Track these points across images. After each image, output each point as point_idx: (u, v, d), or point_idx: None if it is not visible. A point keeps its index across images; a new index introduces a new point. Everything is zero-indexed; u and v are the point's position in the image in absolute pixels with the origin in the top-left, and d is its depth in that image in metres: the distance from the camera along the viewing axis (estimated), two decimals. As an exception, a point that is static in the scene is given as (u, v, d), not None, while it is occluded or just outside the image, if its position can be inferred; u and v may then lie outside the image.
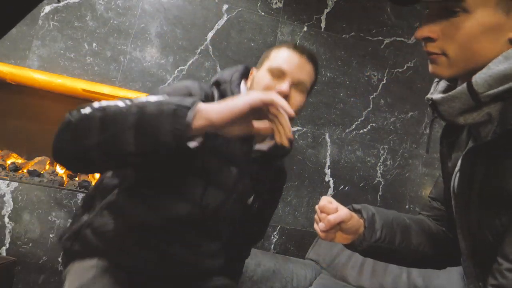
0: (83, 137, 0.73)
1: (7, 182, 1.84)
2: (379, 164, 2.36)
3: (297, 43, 2.31)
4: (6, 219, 1.82)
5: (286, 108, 0.74)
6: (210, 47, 2.16)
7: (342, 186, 2.32)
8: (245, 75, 1.08)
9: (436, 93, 0.74)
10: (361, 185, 2.34)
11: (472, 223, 0.70)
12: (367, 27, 2.42)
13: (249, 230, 1.23)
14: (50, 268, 1.84)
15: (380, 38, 2.43)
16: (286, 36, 2.29)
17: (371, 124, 2.37)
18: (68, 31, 2.01)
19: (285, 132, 0.74)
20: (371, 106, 2.38)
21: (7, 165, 2.07)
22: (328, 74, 2.33)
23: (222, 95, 1.00)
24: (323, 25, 2.35)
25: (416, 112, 2.45)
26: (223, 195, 1.00)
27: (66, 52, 1.99)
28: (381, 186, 2.36)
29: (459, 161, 0.73)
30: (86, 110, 0.74)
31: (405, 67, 2.45)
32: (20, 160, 2.21)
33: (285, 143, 0.74)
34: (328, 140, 2.30)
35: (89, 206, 1.02)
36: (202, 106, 0.73)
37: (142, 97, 0.77)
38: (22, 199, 1.85)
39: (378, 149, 2.37)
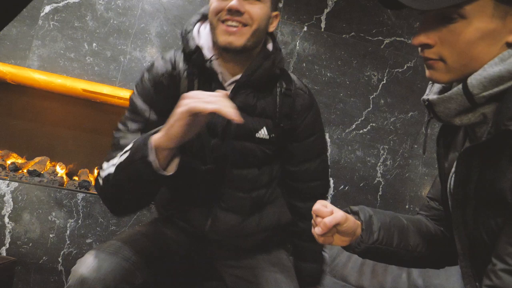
0: (110, 195, 0.93)
1: (7, 182, 1.85)
2: (379, 164, 2.36)
3: (297, 43, 2.31)
4: (6, 219, 1.82)
5: (201, 104, 0.76)
6: (210, 47, 2.16)
7: (342, 186, 2.32)
8: (204, 18, 1.06)
9: (431, 94, 0.75)
10: (361, 185, 2.34)
11: (468, 223, 0.70)
12: (367, 27, 2.42)
13: (295, 175, 1.14)
14: (50, 268, 1.84)
15: (380, 38, 2.43)
16: (286, 36, 2.29)
17: (371, 124, 2.37)
18: (68, 31, 2.01)
19: (226, 112, 0.75)
20: (371, 106, 2.38)
21: (7, 165, 2.07)
22: (328, 74, 2.33)
23: (185, 47, 1.02)
24: (323, 25, 2.35)
25: (416, 112, 2.44)
26: (214, 139, 1.01)
27: (66, 52, 2.00)
28: (381, 186, 2.36)
29: (455, 161, 0.74)
30: (103, 174, 0.91)
31: (405, 67, 2.45)
32: (20, 160, 2.22)
33: (234, 118, 0.75)
34: (328, 140, 2.30)
35: None
36: (157, 141, 0.81)
37: (123, 154, 0.88)
38: (22, 199, 1.85)
39: (378, 149, 2.37)
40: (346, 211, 0.87)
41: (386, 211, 0.91)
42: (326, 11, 2.36)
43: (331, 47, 2.35)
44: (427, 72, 0.70)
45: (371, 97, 2.39)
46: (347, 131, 2.33)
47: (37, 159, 2.22)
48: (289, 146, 1.12)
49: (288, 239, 1.20)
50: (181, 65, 1.02)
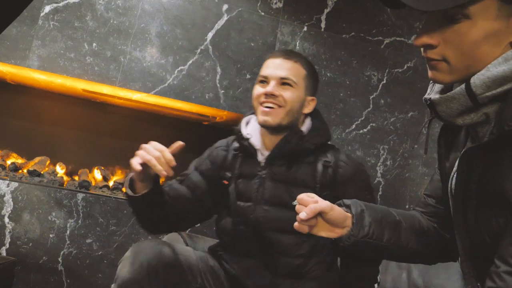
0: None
1: (7, 182, 1.85)
2: (379, 164, 2.36)
3: (297, 43, 2.31)
4: (6, 219, 1.82)
5: (142, 157, 1.02)
6: (210, 47, 2.16)
7: (342, 186, 2.32)
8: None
9: (433, 93, 0.74)
10: (361, 185, 2.34)
11: (470, 224, 0.70)
12: (367, 27, 2.42)
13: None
14: (50, 268, 1.84)
15: (380, 38, 2.43)
16: (286, 36, 2.29)
17: (371, 124, 2.37)
18: (68, 31, 2.01)
19: (158, 171, 0.98)
20: (371, 106, 2.38)
21: (7, 165, 2.07)
22: (328, 74, 2.33)
23: (238, 141, 1.26)
24: (323, 25, 2.35)
25: (416, 112, 2.44)
26: (250, 204, 1.17)
27: (66, 52, 1.99)
28: (381, 186, 2.36)
29: (457, 162, 0.73)
30: None
31: (405, 67, 2.45)
32: (20, 160, 2.22)
33: (164, 173, 0.98)
34: (328, 140, 2.30)
35: None
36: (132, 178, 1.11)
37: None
38: (22, 199, 1.85)
39: (378, 149, 2.37)
40: (339, 204, 0.88)
41: (379, 206, 0.91)
42: (326, 11, 2.36)
43: (331, 47, 2.35)
44: (430, 73, 0.70)
45: (371, 97, 2.39)
46: (347, 131, 2.33)
47: (37, 159, 2.22)
48: None
49: None
50: (234, 144, 1.27)
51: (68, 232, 1.87)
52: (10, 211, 1.83)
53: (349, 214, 0.85)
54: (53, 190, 1.89)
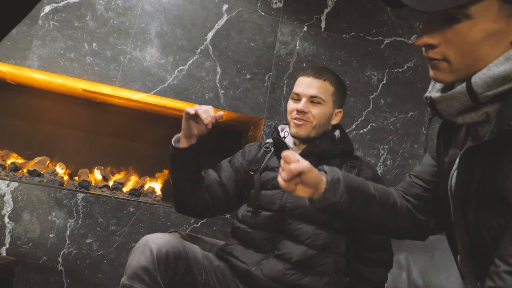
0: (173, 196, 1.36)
1: (7, 182, 1.85)
2: (379, 164, 2.36)
3: (297, 43, 2.31)
4: (6, 219, 1.82)
5: (194, 109, 1.20)
6: (210, 47, 2.16)
7: (342, 186, 2.32)
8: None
9: (434, 91, 0.74)
10: (361, 185, 2.34)
11: (470, 223, 0.70)
12: (367, 27, 2.42)
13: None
14: (50, 268, 1.84)
15: (380, 38, 2.43)
16: (286, 36, 2.29)
17: (371, 124, 2.37)
18: (68, 31, 2.01)
19: (204, 118, 1.18)
20: (371, 106, 2.38)
21: (7, 165, 2.07)
22: (328, 74, 2.33)
23: (273, 139, 1.41)
24: (323, 25, 2.35)
25: (416, 112, 2.44)
26: (279, 190, 1.29)
27: (66, 52, 1.99)
28: (381, 186, 2.36)
29: (457, 160, 0.73)
30: None
31: (405, 67, 2.45)
32: (20, 160, 2.21)
33: (208, 120, 1.19)
34: (328, 140, 2.30)
35: None
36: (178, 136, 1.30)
37: None
38: (22, 199, 1.85)
39: (378, 149, 2.37)
40: (319, 169, 0.91)
41: (359, 178, 0.95)
42: (326, 11, 2.36)
43: (331, 47, 2.35)
44: (431, 72, 0.70)
45: (371, 97, 2.39)
46: (347, 131, 2.33)
47: (37, 159, 2.22)
48: None
49: None
50: (266, 144, 1.45)
51: (68, 232, 1.87)
52: (10, 211, 1.83)
53: (323, 177, 0.89)
54: (53, 190, 1.89)
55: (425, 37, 0.67)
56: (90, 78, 2.00)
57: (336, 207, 0.87)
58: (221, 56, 2.17)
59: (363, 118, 2.36)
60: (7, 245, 1.81)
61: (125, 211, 1.94)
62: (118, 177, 2.36)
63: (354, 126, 2.35)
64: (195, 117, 1.21)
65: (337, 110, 1.39)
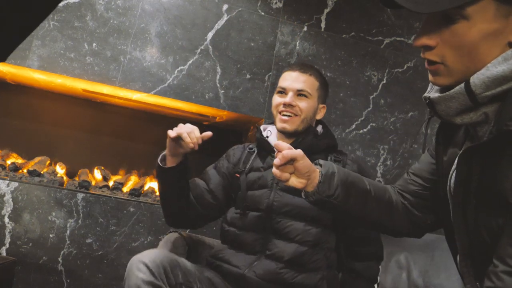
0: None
1: (7, 182, 1.85)
2: (379, 164, 2.36)
3: (297, 43, 2.31)
4: (6, 219, 1.82)
5: (176, 131, 1.17)
6: (210, 47, 2.16)
7: (342, 186, 2.32)
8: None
9: (433, 91, 0.74)
10: (361, 185, 2.34)
11: (469, 223, 0.70)
12: (367, 27, 2.42)
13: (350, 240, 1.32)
14: (50, 268, 1.84)
15: (380, 38, 2.43)
16: (286, 36, 2.29)
17: (371, 124, 2.37)
18: (68, 31, 2.01)
19: (188, 142, 1.14)
20: (371, 106, 2.38)
21: (7, 165, 2.07)
22: (328, 74, 2.33)
23: (257, 139, 1.40)
24: (323, 25, 2.35)
25: (416, 112, 2.44)
26: (266, 190, 1.28)
27: (66, 52, 2.00)
28: (381, 186, 2.36)
29: (456, 160, 0.73)
30: None
31: (405, 67, 2.45)
32: (20, 160, 2.22)
33: (191, 145, 1.15)
34: (328, 140, 2.30)
35: None
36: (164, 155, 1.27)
37: None
38: (22, 199, 1.85)
39: (378, 149, 2.37)
40: (315, 163, 0.92)
41: (354, 173, 0.94)
42: (326, 11, 2.36)
43: (331, 47, 2.35)
44: (430, 78, 0.71)
45: (371, 97, 2.39)
46: (347, 131, 2.34)
47: (37, 159, 2.22)
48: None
49: None
50: (249, 146, 1.44)
51: (68, 232, 1.87)
52: (10, 211, 1.83)
53: (318, 169, 0.89)
54: (53, 190, 1.89)
55: (423, 38, 0.67)
56: (90, 78, 2.00)
57: (330, 201, 0.87)
58: (221, 56, 2.17)
59: (363, 118, 2.36)
60: (7, 245, 1.81)
61: (125, 211, 1.94)
62: (118, 177, 2.36)
63: (354, 126, 2.35)
64: (179, 138, 1.17)
65: (321, 106, 1.40)
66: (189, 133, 1.17)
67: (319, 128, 1.41)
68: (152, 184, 2.30)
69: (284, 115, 1.32)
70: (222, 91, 2.16)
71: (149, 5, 2.11)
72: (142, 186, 2.21)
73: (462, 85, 0.65)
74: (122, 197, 2.01)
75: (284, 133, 1.35)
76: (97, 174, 2.29)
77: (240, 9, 2.21)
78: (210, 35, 2.17)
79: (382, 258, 1.35)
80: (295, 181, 0.87)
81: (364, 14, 2.42)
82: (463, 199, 0.70)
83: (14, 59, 1.94)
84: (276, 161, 0.86)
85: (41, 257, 1.83)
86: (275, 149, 1.31)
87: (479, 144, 0.65)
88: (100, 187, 2.11)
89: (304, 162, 0.86)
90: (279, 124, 1.33)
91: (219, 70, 2.16)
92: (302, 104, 1.32)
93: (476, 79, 0.64)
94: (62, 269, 1.85)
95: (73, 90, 2.28)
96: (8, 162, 2.12)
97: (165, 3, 2.13)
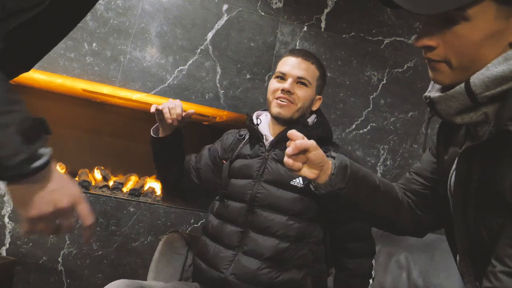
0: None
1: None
2: (379, 164, 2.36)
3: (297, 43, 2.31)
4: (6, 219, 1.82)
5: (156, 106, 1.25)
6: (210, 47, 2.16)
7: (342, 186, 2.32)
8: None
9: (433, 91, 0.75)
10: (361, 185, 2.34)
11: (469, 222, 0.70)
12: (367, 27, 2.42)
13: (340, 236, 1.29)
14: (50, 268, 1.84)
15: (380, 38, 2.43)
16: (286, 36, 2.29)
17: (371, 124, 2.37)
18: (68, 31, 2.01)
19: (167, 118, 1.23)
20: (371, 106, 2.38)
21: (7, 165, 2.07)
22: (328, 74, 2.32)
23: (247, 126, 1.38)
24: (323, 25, 2.35)
25: (416, 112, 2.44)
26: (250, 180, 1.25)
27: (66, 52, 2.00)
28: (381, 186, 2.36)
29: (456, 160, 0.74)
30: None
31: (405, 67, 2.45)
32: (20, 160, 2.21)
33: (169, 121, 1.23)
34: (328, 140, 2.30)
35: None
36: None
37: None
38: (22, 199, 1.85)
39: (378, 149, 2.37)
40: (327, 156, 0.91)
41: (364, 168, 0.94)
42: (326, 11, 2.36)
43: (331, 47, 2.35)
44: (431, 74, 0.71)
45: (371, 97, 2.39)
46: (347, 131, 2.34)
47: (37, 159, 2.21)
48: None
49: None
50: (240, 132, 1.43)
51: (68, 232, 1.87)
52: (10, 211, 1.83)
53: (330, 161, 0.88)
54: (53, 190, 1.89)
55: (424, 39, 0.67)
56: (90, 78, 2.00)
57: (342, 194, 0.86)
58: (221, 56, 2.17)
59: (363, 118, 2.36)
60: (7, 245, 1.81)
61: (125, 211, 1.94)
62: (118, 177, 2.36)
63: (354, 126, 2.35)
64: (161, 112, 1.24)
65: (317, 96, 1.36)
66: (170, 108, 1.20)
67: (311, 119, 1.36)
68: (152, 184, 2.30)
69: (281, 101, 1.27)
70: (222, 91, 2.16)
71: (149, 5, 2.11)
72: (142, 186, 2.21)
73: (462, 85, 0.66)
74: (122, 197, 2.01)
75: (278, 120, 1.30)
76: (97, 174, 2.29)
77: (240, 9, 2.21)
78: (210, 35, 2.17)
79: (375, 253, 1.31)
80: (307, 172, 0.86)
81: (364, 14, 2.42)
82: (463, 199, 0.70)
83: (14, 59, 1.94)
84: (289, 150, 0.84)
85: (41, 257, 1.83)
86: (267, 138, 1.31)
87: (478, 144, 0.65)
88: (100, 187, 2.11)
89: (317, 152, 0.85)
90: (275, 109, 1.28)
91: (219, 70, 2.16)
92: (301, 92, 1.27)
93: (476, 79, 0.64)
94: (62, 269, 1.85)
95: (73, 90, 2.28)
96: (8, 162, 2.12)
97: (165, 3, 2.13)
